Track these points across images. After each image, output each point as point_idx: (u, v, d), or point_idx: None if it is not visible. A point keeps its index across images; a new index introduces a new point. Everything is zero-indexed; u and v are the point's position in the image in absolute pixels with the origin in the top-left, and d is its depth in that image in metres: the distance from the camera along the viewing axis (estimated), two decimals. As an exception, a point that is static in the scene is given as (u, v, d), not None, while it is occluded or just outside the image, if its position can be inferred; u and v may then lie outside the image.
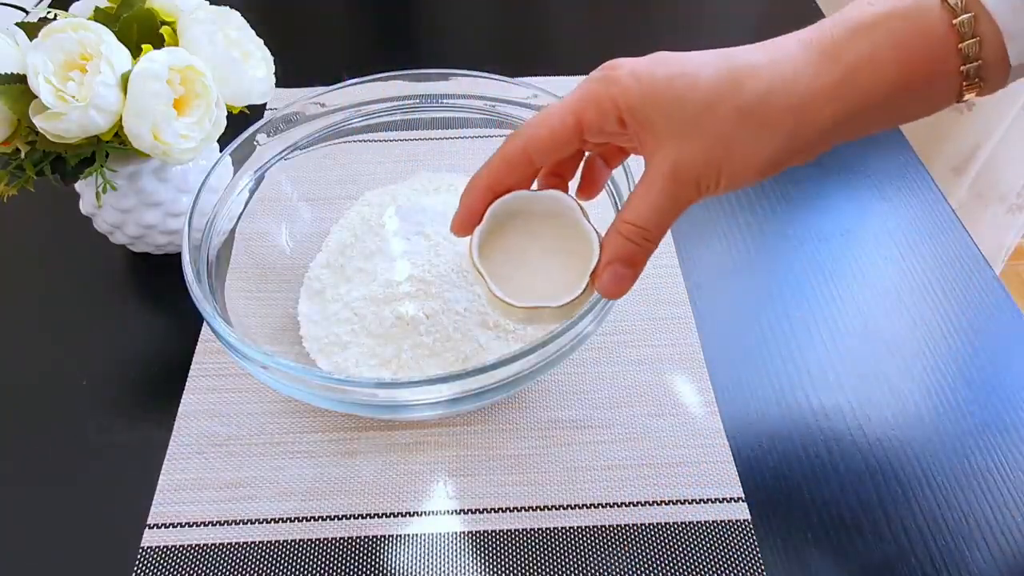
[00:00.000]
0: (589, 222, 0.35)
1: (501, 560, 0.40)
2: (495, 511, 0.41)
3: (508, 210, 0.35)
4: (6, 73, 0.42)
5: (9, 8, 0.56)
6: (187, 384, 0.47)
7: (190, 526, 0.41)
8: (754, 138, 0.29)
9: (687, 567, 0.39)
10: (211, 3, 0.48)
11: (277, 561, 0.40)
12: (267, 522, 0.41)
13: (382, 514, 0.41)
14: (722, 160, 0.30)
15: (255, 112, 0.52)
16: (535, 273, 0.36)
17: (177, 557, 0.40)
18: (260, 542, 0.40)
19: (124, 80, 0.43)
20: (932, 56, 0.28)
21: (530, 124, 0.33)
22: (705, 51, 0.31)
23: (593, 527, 0.41)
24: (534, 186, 0.36)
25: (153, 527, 0.41)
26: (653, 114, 0.30)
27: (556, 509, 0.41)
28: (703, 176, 0.30)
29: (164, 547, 0.40)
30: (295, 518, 0.41)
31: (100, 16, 0.45)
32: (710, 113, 0.29)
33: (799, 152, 0.30)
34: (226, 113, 0.48)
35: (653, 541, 0.40)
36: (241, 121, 0.50)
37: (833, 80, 0.28)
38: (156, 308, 0.53)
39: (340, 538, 0.41)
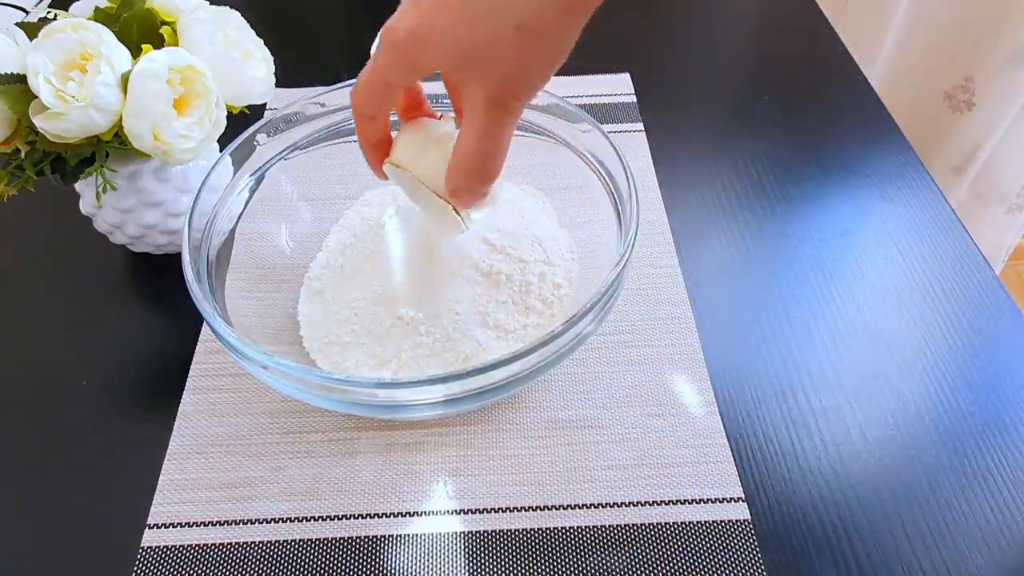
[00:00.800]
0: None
1: (501, 560, 0.40)
2: (495, 511, 0.41)
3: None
4: (6, 73, 0.42)
5: (9, 8, 0.56)
6: (187, 384, 0.47)
7: (190, 526, 0.41)
8: (501, 17, 0.30)
9: (687, 567, 0.39)
10: (211, 3, 0.48)
11: (277, 561, 0.40)
12: (267, 522, 0.41)
13: (382, 514, 0.41)
14: (514, 75, 0.31)
15: (255, 112, 0.52)
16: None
17: (177, 557, 0.40)
18: (260, 542, 0.40)
19: (124, 80, 0.43)
20: None
21: (358, 93, 0.36)
22: None
23: (593, 527, 0.41)
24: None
25: (153, 527, 0.41)
26: (440, 66, 0.32)
27: (556, 509, 0.41)
28: (505, 97, 0.32)
29: (164, 547, 0.40)
30: (295, 518, 0.41)
31: (100, 16, 0.45)
32: (485, 44, 0.30)
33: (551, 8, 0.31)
34: (226, 113, 0.48)
35: (653, 541, 0.40)
36: (241, 121, 0.50)
37: None
38: (156, 308, 0.53)
39: (340, 538, 0.41)
